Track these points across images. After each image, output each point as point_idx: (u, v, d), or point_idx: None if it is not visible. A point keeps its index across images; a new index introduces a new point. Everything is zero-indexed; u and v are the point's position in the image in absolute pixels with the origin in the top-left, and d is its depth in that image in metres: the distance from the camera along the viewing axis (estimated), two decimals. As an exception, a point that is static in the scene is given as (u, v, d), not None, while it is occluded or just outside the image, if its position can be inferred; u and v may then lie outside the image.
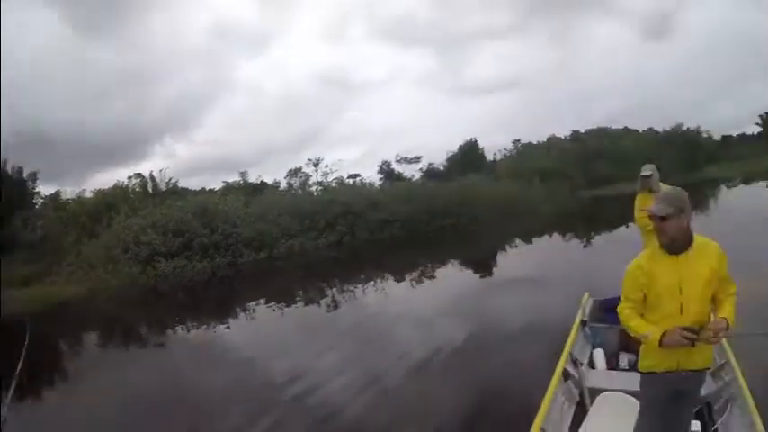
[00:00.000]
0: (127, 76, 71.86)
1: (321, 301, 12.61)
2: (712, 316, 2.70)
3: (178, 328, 12.71)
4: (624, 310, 2.81)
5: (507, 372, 6.07)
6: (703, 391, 3.90)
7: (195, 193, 30.73)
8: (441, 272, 15.16)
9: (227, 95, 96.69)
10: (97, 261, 20.27)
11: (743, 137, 75.88)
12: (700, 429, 3.67)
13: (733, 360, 4.36)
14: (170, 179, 30.40)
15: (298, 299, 13.57)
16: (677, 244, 2.64)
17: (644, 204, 4.53)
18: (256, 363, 8.30)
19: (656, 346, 2.63)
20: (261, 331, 10.77)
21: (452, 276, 14.40)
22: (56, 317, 17.22)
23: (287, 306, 12.67)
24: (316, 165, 38.39)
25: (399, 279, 14.79)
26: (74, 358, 11.83)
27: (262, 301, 13.38)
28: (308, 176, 38.45)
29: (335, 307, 11.86)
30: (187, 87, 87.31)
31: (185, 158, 71.08)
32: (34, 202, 27.90)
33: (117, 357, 11.09)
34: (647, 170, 4.96)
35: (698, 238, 2.70)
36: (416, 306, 10.86)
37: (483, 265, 15.46)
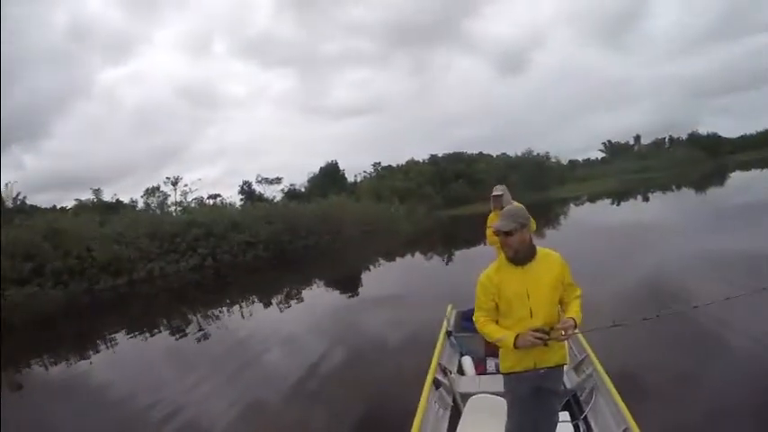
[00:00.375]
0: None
1: (187, 329, 12.08)
2: (562, 317, 2.91)
3: (33, 366, 11.40)
4: (479, 319, 3.00)
5: (383, 385, 6.26)
6: (569, 385, 4.44)
7: (45, 211, 28.88)
8: (307, 293, 15.17)
9: (81, 103, 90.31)
10: None
11: (587, 161, 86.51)
12: (569, 419, 3.98)
13: (592, 354, 4.76)
14: (18, 194, 28.56)
15: (162, 327, 13.02)
16: (521, 255, 2.87)
17: (494, 222, 4.50)
18: (122, 401, 7.62)
19: (512, 348, 2.83)
20: (125, 365, 10.04)
21: (319, 297, 14.38)
22: None
23: (151, 335, 12.01)
24: (175, 184, 37.59)
25: (266, 302, 14.67)
26: None
27: (124, 331, 12.69)
28: (166, 196, 37.59)
29: (202, 334, 11.31)
30: (37, 91, 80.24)
31: (34, 171, 65.16)
32: None
33: None
34: (499, 190, 5.37)
35: (541, 250, 2.97)
36: (286, 329, 10.71)
37: (349, 285, 15.62)
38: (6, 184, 29.15)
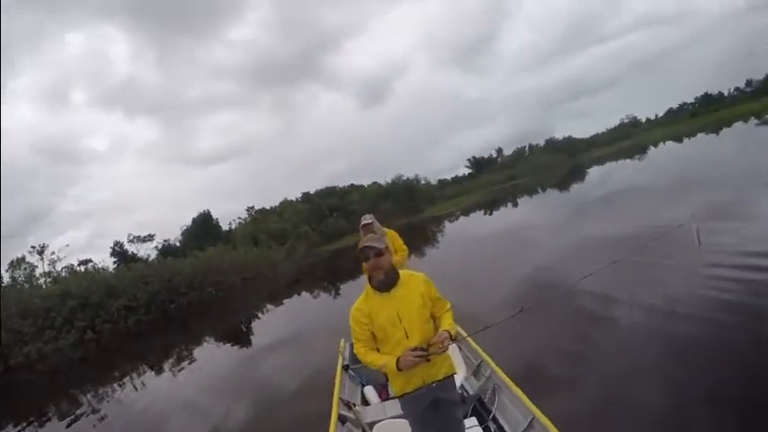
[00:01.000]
0: None
1: (78, 413, 11.48)
2: (437, 331, 3.00)
3: None
4: (360, 350, 3.08)
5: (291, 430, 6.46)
6: (471, 391, 4.58)
7: None
8: (199, 352, 15.04)
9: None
10: None
11: (456, 178, 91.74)
12: (477, 423, 4.08)
13: (486, 357, 4.90)
14: None
15: (52, 415, 12.34)
16: (388, 279, 3.01)
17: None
18: None
19: (396, 371, 2.91)
20: None
21: (212, 353, 14.34)
22: None
23: (41, 427, 11.36)
24: (41, 252, 35.70)
25: (157, 368, 14.32)
26: None
27: (10, 427, 11.91)
28: (33, 267, 35.30)
29: (97, 416, 10.84)
30: None
31: None
32: None
33: None
34: (367, 219, 5.40)
35: (403, 273, 3.11)
36: (183, 393, 10.64)
37: (240, 336, 15.93)
38: None
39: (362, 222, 5.37)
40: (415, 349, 2.86)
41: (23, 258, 35.93)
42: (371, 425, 4.30)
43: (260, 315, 19.52)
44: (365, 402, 5.33)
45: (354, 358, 5.81)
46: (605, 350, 5.90)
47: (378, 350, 3.09)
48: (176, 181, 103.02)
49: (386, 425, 4.12)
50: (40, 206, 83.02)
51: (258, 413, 7.77)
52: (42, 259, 34.99)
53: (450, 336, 2.94)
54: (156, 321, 24.74)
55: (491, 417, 4.32)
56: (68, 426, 10.63)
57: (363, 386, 5.62)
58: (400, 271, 3.14)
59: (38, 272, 34.29)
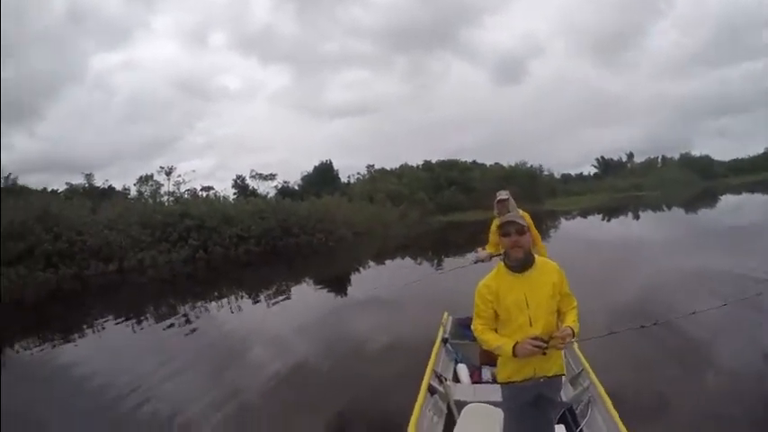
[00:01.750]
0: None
1: (174, 320, 11.82)
2: (559, 326, 2.89)
3: (18, 347, 11.36)
4: (478, 327, 2.99)
5: (372, 389, 6.08)
6: (564, 398, 4.37)
7: (36, 193, 28.48)
8: (297, 290, 14.98)
9: (74, 88, 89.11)
10: None
11: (580, 176, 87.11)
12: None
13: (588, 367, 4.70)
14: (9, 175, 28.35)
15: (150, 316, 12.75)
16: (525, 260, 2.89)
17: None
18: (100, 386, 7.55)
19: (510, 356, 2.80)
20: (108, 351, 9.96)
21: (309, 295, 14.24)
22: None
23: (138, 324, 11.85)
24: (168, 174, 37.53)
25: (255, 297, 14.39)
26: None
27: (109, 317, 12.63)
28: (159, 185, 37.27)
29: (189, 325, 11.15)
30: (29, 72, 78.99)
31: (24, 152, 64.27)
32: None
33: None
34: (503, 194, 5.16)
35: (539, 258, 3.01)
36: (273, 326, 10.53)
37: (339, 284, 15.44)
38: None
39: (498, 197, 5.14)
40: (535, 338, 2.73)
41: (151, 176, 38.58)
42: (459, 404, 4.26)
43: (362, 270, 19.07)
44: (456, 379, 5.20)
45: (455, 332, 5.96)
46: (711, 390, 5.40)
47: (495, 330, 2.97)
48: (301, 128, 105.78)
49: (478, 408, 3.96)
50: (170, 134, 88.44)
51: (341, 363, 7.46)
52: (169, 179, 36.90)
53: (573, 333, 2.81)
54: (264, 254, 25.03)
55: (579, 429, 4.07)
56: (163, 329, 10.97)
57: (457, 363, 5.47)
58: (536, 256, 2.99)
59: (163, 190, 36.38)
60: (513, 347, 2.76)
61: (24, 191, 28.02)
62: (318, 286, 15.79)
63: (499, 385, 3.13)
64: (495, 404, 3.64)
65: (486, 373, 5.18)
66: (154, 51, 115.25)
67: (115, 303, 15.38)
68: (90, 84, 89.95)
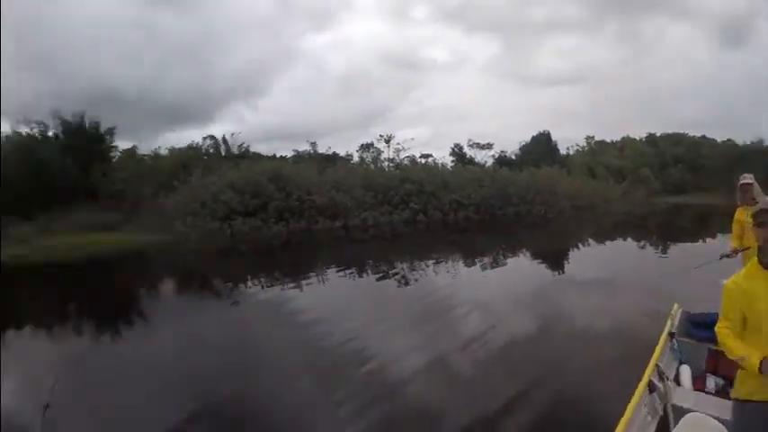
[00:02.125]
0: (196, 43, 73.10)
1: (391, 275, 12.31)
2: None
3: (251, 285, 12.87)
4: (721, 330, 2.55)
5: (584, 374, 5.60)
6: None
7: (267, 158, 30.75)
8: (512, 261, 14.33)
9: (292, 67, 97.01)
10: (176, 214, 20.80)
11: None
12: None
13: None
14: (242, 143, 30.80)
15: (369, 270, 13.36)
16: None
17: (743, 217, 4.24)
18: (321, 326, 8.19)
19: (755, 371, 2.33)
20: (330, 297, 10.60)
21: (524, 266, 13.60)
22: (133, 263, 17.75)
23: (358, 276, 12.52)
24: (387, 141, 37.63)
25: (470, 263, 14.03)
26: (147, 302, 12.52)
27: (333, 268, 13.36)
28: (379, 152, 38.07)
29: (405, 282, 11.42)
30: (254, 56, 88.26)
31: (253, 124, 71.85)
32: (112, 155, 28.50)
33: (188, 306, 11.71)
34: (747, 178, 4.62)
35: None
36: (486, 292, 10.09)
37: (555, 260, 14.52)
38: (232, 134, 31.47)
39: (741, 181, 4.52)
40: None
41: (372, 144, 39.29)
42: (676, 409, 3.74)
43: (580, 246, 17.42)
44: (676, 381, 4.42)
45: (682, 329, 5.20)
46: None
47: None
48: (513, 98, 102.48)
49: (702, 420, 3.14)
50: (382, 105, 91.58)
51: (547, 339, 6.92)
52: (388, 147, 37.39)
53: None
54: (482, 222, 24.09)
55: None
56: (379, 282, 11.59)
57: (681, 363, 4.69)
58: None
59: (383, 156, 37.28)
60: (761, 362, 2.26)
61: (256, 156, 30.42)
62: (535, 259, 14.85)
63: (724, 399, 2.91)
64: (719, 420, 3.07)
65: (711, 382, 4.40)
66: (359, 29, 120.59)
67: (338, 256, 16.10)
68: (304, 64, 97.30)
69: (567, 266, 13.53)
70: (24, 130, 26.56)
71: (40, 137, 26.34)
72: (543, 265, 13.63)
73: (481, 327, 7.41)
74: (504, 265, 13.53)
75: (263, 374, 6.62)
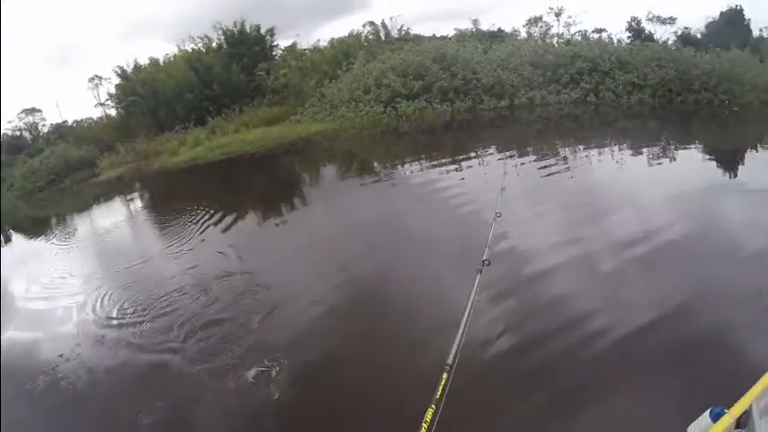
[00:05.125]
0: None
1: (552, 159, 11.83)
2: None
3: (411, 166, 13.31)
4: None
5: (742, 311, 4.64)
6: None
7: (428, 39, 29.90)
8: (683, 153, 12.35)
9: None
10: (339, 102, 21.33)
11: None
12: None
13: None
14: (401, 26, 30.31)
15: (530, 152, 12.95)
16: None
17: None
18: (473, 206, 8.29)
19: None
20: (487, 180, 10.17)
21: (697, 163, 11.44)
22: (299, 150, 18.49)
23: (518, 157, 12.28)
24: (558, 15, 34.51)
25: (637, 153, 12.43)
26: (311, 185, 14.14)
27: (495, 149, 13.47)
28: (548, 26, 35.19)
29: (566, 167, 10.97)
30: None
31: (411, 6, 70.98)
32: (274, 54, 29.66)
33: (350, 187, 12.63)
34: None
35: None
36: (649, 191, 8.84)
37: (732, 163, 11.77)
38: (391, 18, 31.06)
39: None
40: None
41: (540, 17, 35.97)
42: None
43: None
44: None
45: None
46: None
47: None
48: None
49: None
50: None
51: (711, 259, 5.85)
52: (558, 21, 34.51)
53: None
54: (658, 108, 21.42)
55: None
56: (539, 166, 11.30)
57: None
58: None
59: (552, 31, 34.50)
60: None
61: (417, 38, 29.80)
62: (707, 156, 12.52)
63: None
64: None
65: None
66: None
67: (502, 137, 15.93)
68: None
69: (750, 174, 10.84)
70: (191, 46, 29.26)
71: (204, 49, 28.71)
72: (717, 165, 11.53)
73: (637, 230, 6.70)
74: (673, 158, 11.87)
75: (412, 252, 7.07)
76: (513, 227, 6.89)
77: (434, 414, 2.14)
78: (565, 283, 5.49)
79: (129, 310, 6.73)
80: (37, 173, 27.90)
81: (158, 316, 6.24)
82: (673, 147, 13.24)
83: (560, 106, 20.20)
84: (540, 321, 4.83)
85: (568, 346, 4.37)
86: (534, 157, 12.32)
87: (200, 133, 24.21)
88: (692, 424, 2.49)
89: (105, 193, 20.64)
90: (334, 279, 6.50)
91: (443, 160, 13.06)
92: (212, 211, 11.88)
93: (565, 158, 11.94)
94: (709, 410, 2.39)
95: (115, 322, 6.50)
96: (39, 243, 16.00)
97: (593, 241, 6.49)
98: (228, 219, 11.05)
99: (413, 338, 4.83)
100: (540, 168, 11.01)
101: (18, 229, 22.43)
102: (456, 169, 11.73)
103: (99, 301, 7.43)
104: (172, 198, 17.53)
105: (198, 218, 11.73)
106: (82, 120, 36.50)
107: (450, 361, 2.52)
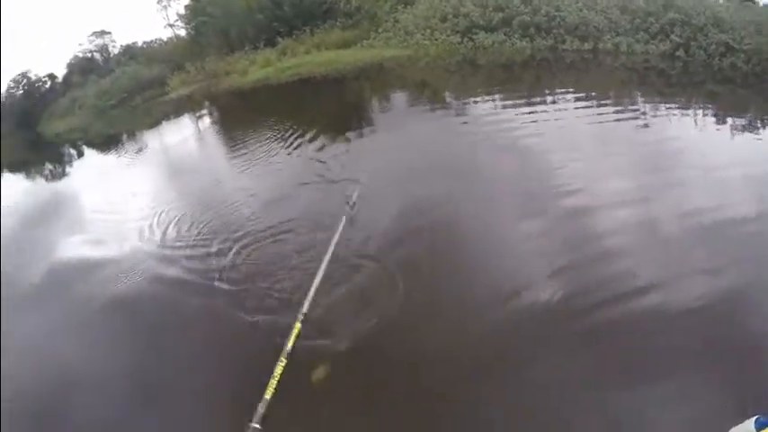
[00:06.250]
0: None
1: (630, 112, 11.19)
2: None
3: (484, 101, 13.06)
4: None
5: None
6: None
7: None
8: None
9: None
10: (415, 28, 20.74)
11: None
12: None
13: None
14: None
15: (609, 102, 12.25)
16: None
17: None
18: (543, 155, 8.23)
19: None
20: (560, 126, 10.24)
21: None
22: (370, 76, 18.33)
23: (596, 107, 11.69)
24: (652, -44, 32.84)
25: (721, 120, 11.43)
26: (379, 111, 14.22)
27: (572, 93, 13.00)
28: None
29: (644, 124, 10.34)
30: None
31: None
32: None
33: (417, 117, 12.57)
34: None
35: None
36: (727, 161, 8.14)
37: None
38: None
39: None
40: None
41: None
42: None
43: None
44: None
45: None
46: None
47: None
48: None
49: None
50: None
51: None
52: None
53: None
54: (752, 75, 19.80)
55: None
56: (616, 119, 10.77)
57: None
58: None
59: None
60: None
61: None
62: None
63: None
64: None
65: None
66: None
67: (581, 81, 15.42)
68: None
69: None
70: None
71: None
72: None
73: (708, 201, 6.35)
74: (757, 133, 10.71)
75: (475, 191, 7.12)
76: (586, 183, 6.89)
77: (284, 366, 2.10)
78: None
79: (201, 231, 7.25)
80: (108, 92, 28.68)
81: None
82: (760, 122, 12.09)
83: (647, 57, 19.10)
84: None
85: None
86: (613, 108, 11.72)
87: (271, 54, 24.18)
88: (735, 428, 2.39)
89: (175, 111, 21.14)
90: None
91: (518, 101, 12.72)
92: (285, 131, 12.22)
93: (642, 113, 11.36)
94: (754, 418, 2.28)
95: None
96: (110, 158, 16.48)
97: (656, 204, 6.32)
98: (297, 139, 11.32)
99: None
100: (615, 116, 10.78)
101: (90, 146, 23.34)
102: (530, 112, 11.45)
103: (174, 221, 7.86)
104: (242, 116, 17.75)
105: (267, 137, 12.10)
106: (152, 41, 37.18)
107: (305, 310, 2.24)
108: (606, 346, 4.01)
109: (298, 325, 2.16)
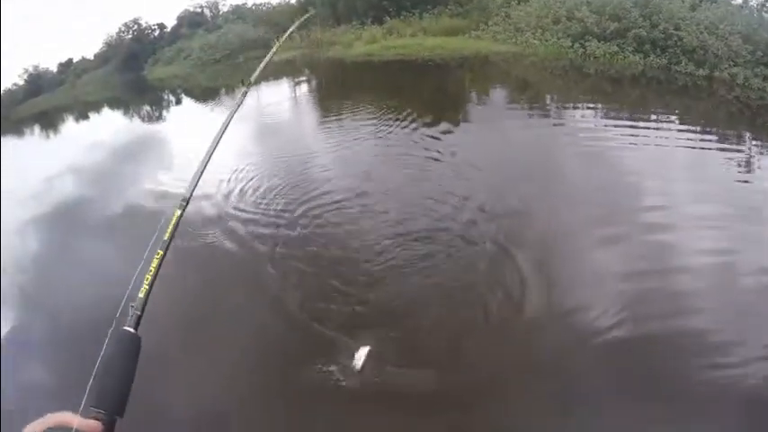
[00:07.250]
0: None
1: (734, 152, 10.78)
2: None
3: (584, 109, 13.38)
4: None
5: None
6: None
7: None
8: None
9: None
10: (525, 26, 20.67)
11: None
12: None
13: None
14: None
15: (715, 135, 11.98)
16: None
17: None
18: (630, 179, 8.52)
19: None
20: (656, 155, 10.17)
21: None
22: (475, 67, 18.42)
23: (701, 138, 11.39)
24: (782, -16, 30.79)
25: None
26: (477, 103, 14.62)
27: (678, 119, 12.87)
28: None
29: (746, 165, 10.00)
30: None
31: None
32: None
33: (513, 115, 12.94)
34: None
35: None
36: None
37: None
38: None
39: None
40: None
41: None
42: None
43: None
44: None
45: None
46: None
47: None
48: None
49: None
50: None
51: None
52: None
53: None
54: None
55: None
56: (720, 150, 10.88)
57: None
58: None
59: None
60: None
61: None
62: None
63: None
64: None
65: None
66: None
67: (692, 108, 15.05)
68: None
69: None
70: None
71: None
72: None
73: None
74: None
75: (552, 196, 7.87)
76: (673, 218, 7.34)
77: (161, 258, 1.79)
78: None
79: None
80: (213, 47, 29.92)
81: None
82: None
83: (763, 93, 17.67)
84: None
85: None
86: (718, 143, 11.42)
87: (377, 32, 24.57)
88: None
89: (275, 74, 21.84)
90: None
91: (621, 115, 12.84)
92: (380, 109, 12.58)
93: (747, 152, 10.92)
94: None
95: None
96: (205, 108, 17.45)
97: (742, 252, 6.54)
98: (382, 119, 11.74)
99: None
100: (721, 153, 10.56)
101: (189, 95, 24.60)
102: (631, 132, 11.29)
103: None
104: (339, 88, 18.30)
105: (359, 113, 12.55)
106: (261, 3, 38.20)
107: (188, 195, 2.16)
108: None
109: (177, 212, 1.92)
